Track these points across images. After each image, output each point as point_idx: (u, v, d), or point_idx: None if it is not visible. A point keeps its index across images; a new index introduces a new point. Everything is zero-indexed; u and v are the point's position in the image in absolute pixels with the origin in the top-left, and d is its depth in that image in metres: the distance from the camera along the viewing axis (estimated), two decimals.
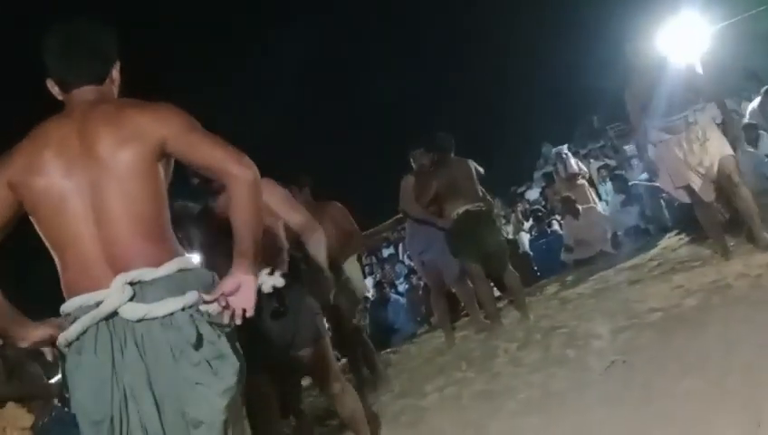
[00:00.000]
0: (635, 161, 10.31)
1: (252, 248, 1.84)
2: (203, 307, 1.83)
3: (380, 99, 19.24)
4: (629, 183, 9.26)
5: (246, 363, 1.90)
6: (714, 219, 5.12)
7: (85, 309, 1.81)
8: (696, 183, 4.81)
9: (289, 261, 2.98)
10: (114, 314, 1.80)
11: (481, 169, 5.94)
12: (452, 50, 20.15)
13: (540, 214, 10.28)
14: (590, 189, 9.64)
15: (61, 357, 1.89)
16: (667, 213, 8.14)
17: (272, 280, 2.37)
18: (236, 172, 1.82)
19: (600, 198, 9.88)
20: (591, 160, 11.44)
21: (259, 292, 1.95)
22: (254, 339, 2.03)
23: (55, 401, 4.43)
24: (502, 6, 17.25)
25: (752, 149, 7.24)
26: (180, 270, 1.85)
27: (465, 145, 6.15)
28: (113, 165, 1.84)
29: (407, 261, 11.11)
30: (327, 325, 5.04)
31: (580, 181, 9.59)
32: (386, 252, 13.63)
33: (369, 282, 11.57)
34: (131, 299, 1.80)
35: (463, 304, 6.76)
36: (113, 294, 1.79)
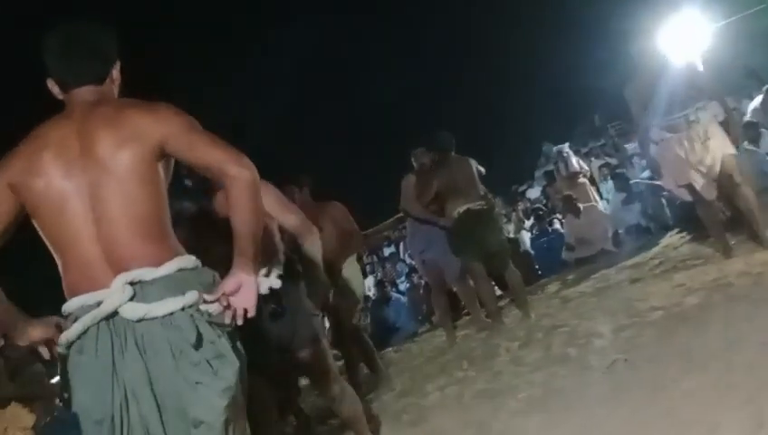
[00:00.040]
0: (636, 160, 10.31)
1: (252, 248, 1.84)
2: (203, 307, 1.83)
3: (381, 98, 19.26)
4: (630, 181, 9.25)
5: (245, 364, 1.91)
6: (715, 218, 5.11)
7: (86, 309, 1.82)
8: (698, 182, 4.81)
9: (285, 262, 2.97)
10: (115, 313, 1.80)
11: (482, 169, 5.93)
12: (452, 50, 20.17)
13: (541, 212, 10.28)
14: (592, 188, 9.63)
15: (60, 357, 1.89)
16: (669, 211, 8.13)
17: (268, 281, 2.37)
18: (235, 173, 1.82)
19: (601, 197, 9.86)
20: (592, 159, 11.44)
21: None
22: (251, 340, 2.02)
23: (57, 400, 4.43)
24: (502, 6, 17.26)
25: (753, 148, 7.23)
26: (180, 269, 1.86)
27: (465, 144, 6.15)
28: (113, 166, 1.84)
29: (408, 260, 11.12)
30: (327, 325, 5.05)
31: (582, 180, 9.58)
32: (387, 251, 13.64)
33: (371, 281, 11.58)
34: (132, 299, 1.80)
35: (464, 303, 6.76)
36: (114, 294, 1.79)
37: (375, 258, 13.40)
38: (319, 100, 21.31)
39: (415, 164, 6.10)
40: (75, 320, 1.84)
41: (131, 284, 1.81)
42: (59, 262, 1.90)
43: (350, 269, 5.16)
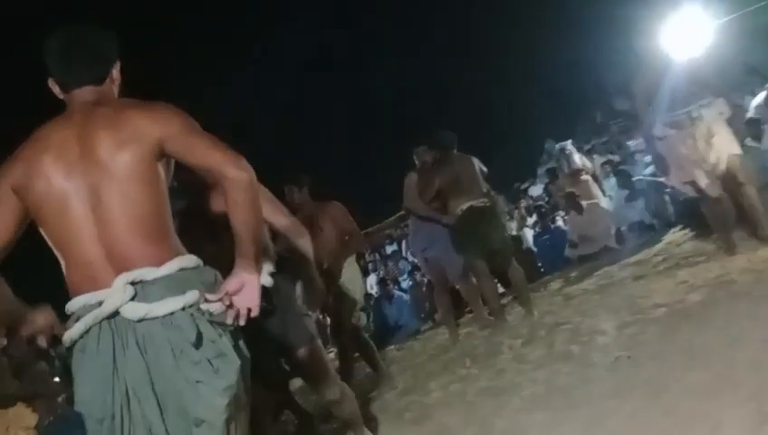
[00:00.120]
0: (638, 156, 10.29)
1: (253, 248, 1.86)
2: (203, 306, 1.84)
3: (382, 96, 19.24)
4: (633, 178, 9.24)
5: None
6: (719, 215, 5.10)
7: (88, 308, 1.83)
8: (702, 179, 4.80)
9: (277, 261, 2.96)
10: (116, 313, 1.82)
11: (485, 168, 5.93)
12: (453, 48, 20.13)
13: (543, 210, 10.27)
14: (594, 185, 9.61)
15: (62, 356, 1.92)
16: (672, 208, 8.12)
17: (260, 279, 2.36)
18: (233, 175, 1.83)
19: (603, 194, 9.85)
20: (595, 156, 11.42)
21: None
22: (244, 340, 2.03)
23: (60, 399, 4.45)
24: (503, 4, 17.22)
25: (755, 144, 7.22)
26: (181, 269, 1.87)
27: (467, 142, 6.15)
28: (112, 167, 1.85)
29: (410, 258, 11.13)
30: (328, 324, 5.04)
31: (584, 177, 9.56)
32: (389, 249, 13.65)
33: (373, 279, 11.60)
34: (133, 299, 1.81)
35: (466, 301, 6.76)
36: (115, 294, 1.81)
37: (377, 256, 13.41)
38: (320, 99, 21.29)
39: (417, 162, 6.10)
40: (78, 319, 1.85)
41: (132, 283, 1.82)
42: (62, 263, 1.92)
43: (349, 269, 5.17)
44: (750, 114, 7.91)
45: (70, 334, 1.86)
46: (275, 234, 3.04)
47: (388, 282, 10.31)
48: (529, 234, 10.14)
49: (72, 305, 1.88)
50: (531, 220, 10.73)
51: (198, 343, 1.81)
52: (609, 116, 13.60)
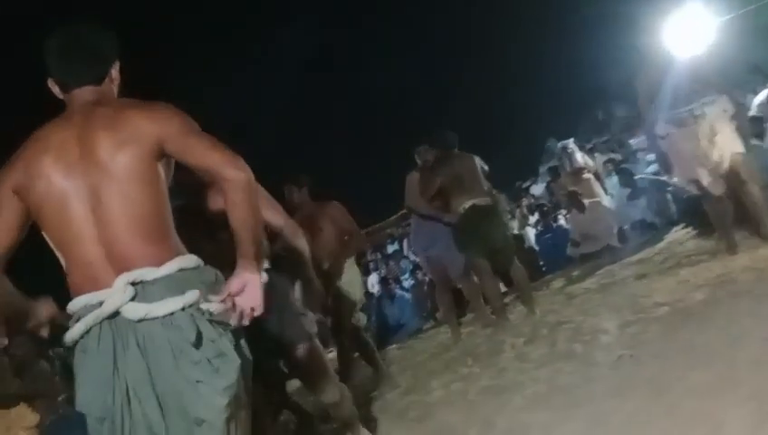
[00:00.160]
0: (640, 155, 10.28)
1: (253, 248, 1.86)
2: (204, 306, 1.84)
3: (384, 95, 19.25)
4: (635, 177, 9.23)
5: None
6: (721, 213, 5.09)
7: (89, 308, 1.84)
8: (705, 177, 4.79)
9: (274, 260, 2.95)
10: (117, 313, 1.82)
11: (486, 166, 5.93)
12: (454, 46, 20.12)
13: (545, 208, 10.26)
14: (596, 183, 9.60)
15: (61, 356, 1.93)
16: (674, 207, 8.11)
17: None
18: (231, 176, 1.84)
19: (605, 192, 9.84)
20: (597, 154, 11.41)
21: None
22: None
23: (60, 398, 4.44)
24: (504, 2, 17.21)
25: (758, 143, 7.20)
26: (182, 269, 1.87)
27: (469, 141, 6.15)
28: (112, 167, 1.86)
29: (411, 257, 11.12)
30: (329, 323, 5.04)
31: (586, 175, 9.54)
32: (390, 248, 13.64)
33: (375, 278, 11.59)
34: (133, 299, 1.82)
35: (468, 300, 6.76)
36: (115, 294, 1.81)
37: (379, 255, 13.40)
38: (320, 98, 21.32)
39: (419, 161, 6.10)
40: (78, 319, 1.86)
41: (133, 284, 1.82)
42: (63, 263, 1.93)
43: (349, 270, 5.16)
44: (752, 112, 7.90)
45: (71, 334, 1.87)
46: (273, 233, 3.02)
47: (390, 281, 10.32)
48: (531, 233, 10.13)
49: (73, 306, 1.88)
50: (533, 219, 10.72)
51: (198, 342, 1.81)
52: (610, 114, 13.59)
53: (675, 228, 7.49)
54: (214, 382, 1.80)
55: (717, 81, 4.83)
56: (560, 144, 10.56)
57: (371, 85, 19.48)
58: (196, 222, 2.58)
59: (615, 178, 9.90)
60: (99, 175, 1.85)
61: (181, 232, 1.98)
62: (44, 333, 1.98)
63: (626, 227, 8.75)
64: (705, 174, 4.78)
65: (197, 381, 1.80)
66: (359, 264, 6.24)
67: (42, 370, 4.62)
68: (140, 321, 1.81)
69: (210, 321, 1.84)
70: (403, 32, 20.09)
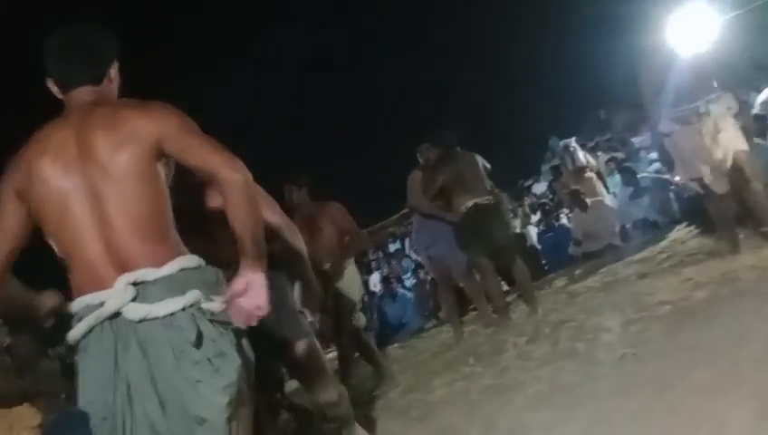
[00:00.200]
0: (643, 153, 10.27)
1: (254, 248, 1.86)
2: (205, 305, 1.84)
3: (385, 94, 19.24)
4: (638, 175, 9.22)
5: None
6: (724, 212, 5.07)
7: (91, 308, 1.85)
8: (708, 175, 4.77)
9: (271, 259, 2.93)
10: (118, 313, 1.82)
11: (488, 165, 5.93)
12: (456, 44, 20.09)
13: (547, 207, 10.25)
14: (599, 182, 9.59)
15: (63, 355, 1.93)
16: (676, 205, 8.10)
17: None
18: (228, 177, 1.84)
19: (608, 191, 9.84)
20: (599, 153, 11.40)
21: None
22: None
23: (63, 397, 4.44)
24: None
25: (761, 141, 7.19)
26: (182, 269, 1.87)
27: (471, 140, 6.15)
28: (111, 168, 1.86)
29: (413, 256, 11.12)
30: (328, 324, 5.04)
31: (589, 174, 9.54)
32: (392, 247, 13.64)
33: (376, 277, 11.59)
34: (134, 299, 1.82)
35: (471, 299, 6.75)
36: (116, 295, 1.82)
37: (381, 254, 13.41)
38: (321, 98, 21.31)
39: (421, 160, 6.10)
40: (81, 319, 1.86)
41: (134, 284, 1.83)
42: (65, 263, 1.93)
43: (348, 271, 5.16)
44: (756, 110, 7.88)
45: (73, 334, 1.88)
46: (271, 232, 3.01)
47: (392, 280, 10.32)
48: (533, 232, 10.13)
49: (75, 305, 1.89)
50: (535, 218, 10.72)
51: (199, 342, 1.81)
52: (613, 113, 13.57)
53: (677, 227, 7.48)
54: (214, 382, 1.80)
55: (722, 78, 4.82)
56: (562, 143, 10.56)
57: (371, 85, 19.47)
58: (193, 221, 2.57)
59: (617, 177, 9.89)
60: (98, 175, 1.86)
61: (179, 231, 1.98)
62: (49, 323, 1.98)
63: (628, 225, 8.74)
64: (709, 172, 4.76)
65: (198, 381, 1.80)
66: (361, 263, 6.25)
67: (45, 369, 4.62)
68: (141, 321, 1.81)
69: (211, 320, 1.84)
70: (403, 32, 20.08)
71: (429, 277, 8.95)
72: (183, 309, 1.82)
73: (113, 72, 2.07)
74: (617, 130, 12.75)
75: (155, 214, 1.89)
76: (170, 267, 1.85)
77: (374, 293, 10.97)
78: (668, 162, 5.22)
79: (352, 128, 20.80)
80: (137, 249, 1.85)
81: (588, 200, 8.75)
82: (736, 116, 4.86)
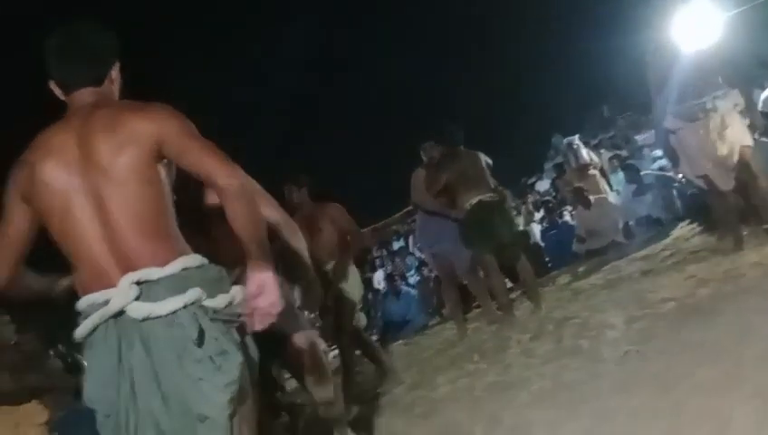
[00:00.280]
0: (646, 151, 10.26)
1: (258, 250, 1.87)
2: (207, 303, 1.86)
3: (386, 94, 19.23)
4: (641, 173, 9.21)
5: None
6: (728, 209, 5.06)
7: (96, 307, 1.87)
8: (713, 172, 4.76)
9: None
10: (122, 312, 1.84)
11: (489, 161, 5.93)
12: (460, 43, 20.07)
13: (551, 205, 10.25)
14: (602, 180, 9.59)
15: (64, 353, 1.97)
16: (680, 202, 8.09)
17: None
18: (224, 183, 1.86)
19: (611, 188, 9.83)
20: (602, 150, 11.38)
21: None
22: None
23: (71, 394, 4.45)
24: None
25: (764, 139, 7.18)
26: (185, 268, 1.89)
27: (475, 137, 6.16)
28: (112, 170, 1.88)
29: (417, 253, 11.12)
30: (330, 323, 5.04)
31: (592, 171, 9.53)
32: (396, 245, 13.64)
33: (380, 275, 11.60)
34: (138, 298, 1.84)
35: (474, 296, 6.76)
36: (120, 294, 1.83)
37: (384, 252, 13.41)
38: (321, 97, 21.34)
39: (424, 158, 6.10)
40: (86, 317, 1.89)
41: (138, 283, 1.84)
42: (73, 264, 1.96)
43: (349, 271, 5.17)
44: (759, 108, 7.86)
45: (79, 332, 1.91)
46: (271, 231, 3.01)
47: (396, 277, 10.31)
48: (536, 229, 10.12)
49: (81, 304, 1.91)
50: (538, 215, 10.71)
51: (200, 340, 1.83)
52: (616, 110, 13.55)
53: (681, 224, 7.47)
54: (216, 380, 1.82)
55: (727, 74, 4.80)
56: (565, 140, 10.55)
57: (371, 85, 19.48)
58: (191, 219, 2.58)
59: (621, 175, 9.88)
60: (100, 177, 1.88)
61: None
62: (61, 298, 2.05)
63: (631, 222, 8.73)
64: (714, 169, 4.75)
65: (200, 379, 1.81)
66: (363, 262, 6.25)
67: (52, 365, 4.63)
68: (144, 320, 1.83)
69: (213, 319, 1.86)
70: (403, 32, 20.07)
71: (433, 275, 8.96)
72: (185, 307, 1.83)
73: (114, 72, 2.08)
74: (620, 128, 12.73)
75: (156, 214, 1.90)
76: (173, 266, 1.87)
77: (378, 290, 10.98)
78: (674, 159, 5.21)
79: (352, 128, 20.79)
80: (140, 249, 1.87)
81: (591, 198, 8.74)
82: (743, 112, 4.85)
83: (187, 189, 2.65)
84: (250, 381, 1.94)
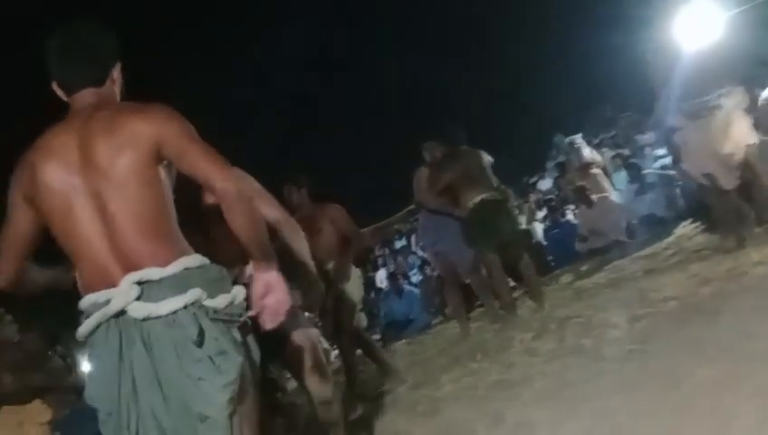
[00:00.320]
0: (648, 150, 10.25)
1: (260, 251, 1.91)
2: (207, 303, 1.87)
3: (387, 94, 19.22)
4: (643, 172, 9.20)
5: None
6: (731, 207, 5.05)
7: (97, 306, 1.88)
8: (717, 170, 4.76)
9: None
10: (123, 312, 1.86)
11: (491, 160, 5.93)
12: (459, 41, 20.05)
13: (553, 204, 10.26)
14: (604, 178, 9.58)
15: (63, 353, 1.99)
16: (682, 201, 8.09)
17: (248, 269, 2.37)
18: (220, 187, 1.87)
19: (613, 187, 9.83)
20: (605, 149, 11.38)
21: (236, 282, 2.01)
22: None
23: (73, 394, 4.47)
24: None
25: (765, 138, 7.17)
26: (186, 269, 1.90)
27: (476, 137, 6.15)
28: (112, 172, 1.89)
29: (419, 252, 11.13)
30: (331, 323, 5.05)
31: (594, 170, 9.53)
32: (398, 244, 13.66)
33: (383, 274, 11.61)
34: (139, 298, 1.85)
35: (477, 295, 6.76)
36: (121, 293, 1.85)
37: (387, 251, 13.42)
38: (321, 97, 21.35)
39: (427, 157, 6.10)
40: (88, 317, 1.90)
41: (139, 283, 1.86)
42: (75, 264, 1.98)
43: (349, 271, 5.17)
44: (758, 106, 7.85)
45: (81, 331, 1.92)
46: (271, 229, 3.00)
47: (398, 276, 10.33)
48: (539, 228, 10.13)
49: (83, 303, 1.93)
50: (540, 214, 10.72)
51: (200, 340, 1.84)
52: (618, 109, 13.53)
53: (683, 223, 7.47)
54: (215, 380, 1.83)
55: (731, 73, 4.79)
56: (567, 139, 10.55)
57: (371, 85, 19.48)
58: (190, 217, 2.58)
59: (623, 173, 9.88)
60: (100, 178, 1.89)
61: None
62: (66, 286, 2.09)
63: (634, 221, 8.73)
64: (718, 167, 4.74)
65: (200, 379, 1.82)
66: (365, 261, 6.26)
67: (55, 364, 4.65)
68: (145, 319, 1.84)
69: (213, 319, 1.87)
70: (403, 32, 20.06)
71: (436, 274, 8.97)
72: (185, 307, 1.84)
73: (115, 73, 2.09)
74: (621, 127, 12.72)
75: (156, 214, 1.91)
76: (174, 267, 1.88)
77: (381, 289, 10.99)
78: (677, 157, 5.20)
79: (352, 128, 20.79)
80: (141, 249, 1.88)
81: (593, 197, 8.74)
82: (747, 110, 4.84)
83: (186, 189, 2.66)
84: (251, 381, 1.95)
